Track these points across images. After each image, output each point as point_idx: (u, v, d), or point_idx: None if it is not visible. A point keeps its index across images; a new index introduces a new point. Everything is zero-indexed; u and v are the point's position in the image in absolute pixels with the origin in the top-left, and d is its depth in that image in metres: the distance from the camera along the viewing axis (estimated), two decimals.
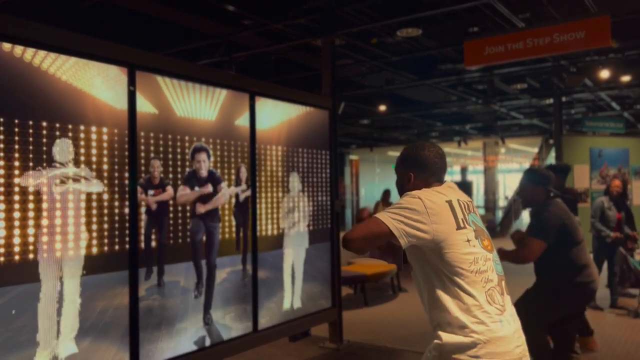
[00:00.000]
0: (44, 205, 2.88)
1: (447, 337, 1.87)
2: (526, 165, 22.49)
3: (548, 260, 3.43)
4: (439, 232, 1.89)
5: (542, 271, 3.53)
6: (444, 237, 1.89)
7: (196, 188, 3.78)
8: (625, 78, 9.83)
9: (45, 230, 2.88)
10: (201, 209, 3.83)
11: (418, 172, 2.09)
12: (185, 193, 3.71)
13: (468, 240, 1.92)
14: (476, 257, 1.91)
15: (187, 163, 3.75)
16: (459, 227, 1.92)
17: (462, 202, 2.02)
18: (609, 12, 5.30)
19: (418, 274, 2.03)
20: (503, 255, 3.57)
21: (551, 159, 16.95)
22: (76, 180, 3.03)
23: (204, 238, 3.85)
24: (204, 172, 3.85)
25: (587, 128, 12.21)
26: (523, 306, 3.48)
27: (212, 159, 3.94)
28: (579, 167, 10.64)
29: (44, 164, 2.89)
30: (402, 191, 2.11)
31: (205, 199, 3.87)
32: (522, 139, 20.51)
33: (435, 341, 1.91)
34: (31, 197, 2.83)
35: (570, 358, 3.58)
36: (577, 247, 3.41)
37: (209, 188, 3.90)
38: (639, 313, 6.01)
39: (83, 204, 3.07)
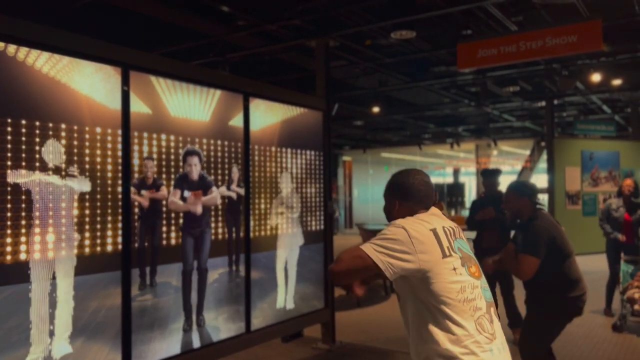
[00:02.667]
0: (36, 205, 2.87)
1: None
2: (518, 167, 22.61)
3: (540, 276, 3.35)
4: (424, 262, 1.86)
5: (534, 288, 3.46)
6: (429, 267, 1.86)
7: (186, 192, 3.77)
8: (616, 82, 9.92)
9: (37, 230, 2.87)
10: (195, 208, 3.82)
11: (403, 199, 2.09)
12: (175, 200, 3.69)
13: (454, 269, 1.89)
14: (463, 285, 1.88)
15: (181, 164, 3.75)
16: (444, 256, 1.90)
17: (447, 228, 1.99)
18: (601, 16, 5.35)
19: (406, 305, 1.99)
20: (506, 260, 3.54)
21: (543, 161, 17.06)
22: (68, 179, 3.02)
23: (194, 242, 3.83)
24: (194, 176, 3.85)
25: (579, 131, 12.32)
26: (524, 338, 3.48)
27: (204, 161, 3.93)
28: (570, 170, 10.73)
29: (37, 164, 2.88)
30: (389, 217, 2.12)
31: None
32: (514, 141, 20.64)
33: None
34: (23, 197, 2.82)
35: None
36: (567, 260, 3.34)
37: (200, 194, 3.89)
38: (625, 315, 5.88)
39: (76, 204, 3.06)
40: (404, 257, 1.85)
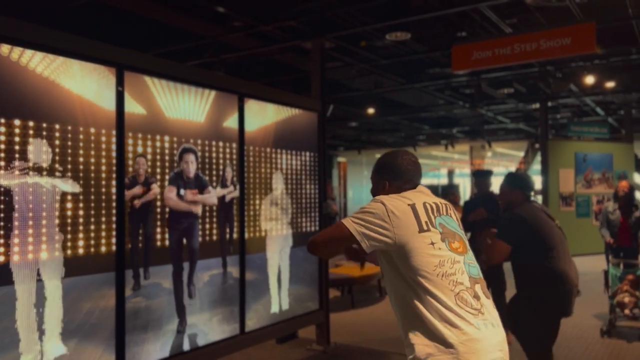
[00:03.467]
0: (28, 205, 2.85)
1: (420, 346, 1.83)
2: (512, 168, 22.70)
3: (524, 270, 3.40)
4: (400, 236, 1.90)
5: (520, 282, 3.49)
6: (405, 241, 1.89)
7: (182, 190, 3.75)
8: (610, 84, 9.98)
9: (30, 231, 2.85)
10: (193, 207, 3.82)
11: (392, 179, 2.12)
12: (172, 197, 3.68)
13: (432, 243, 1.91)
14: (442, 260, 1.89)
15: (175, 165, 3.74)
16: (421, 230, 1.92)
17: (430, 204, 2.01)
18: (594, 19, 5.38)
19: (388, 280, 2.02)
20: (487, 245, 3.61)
21: (537, 163, 17.12)
22: (60, 180, 3.01)
23: (182, 235, 3.80)
24: (191, 174, 3.84)
25: (573, 133, 12.39)
26: (524, 342, 3.50)
27: (199, 162, 3.93)
28: (564, 171, 10.77)
29: (30, 164, 2.86)
30: None
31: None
32: (509, 142, 20.72)
33: (410, 357, 1.88)
34: (16, 198, 2.80)
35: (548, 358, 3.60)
36: (550, 252, 3.32)
37: (197, 193, 3.87)
38: (612, 321, 5.74)
39: (69, 205, 3.05)
40: (379, 230, 1.91)
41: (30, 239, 2.85)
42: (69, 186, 3.04)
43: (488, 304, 1.93)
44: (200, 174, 3.92)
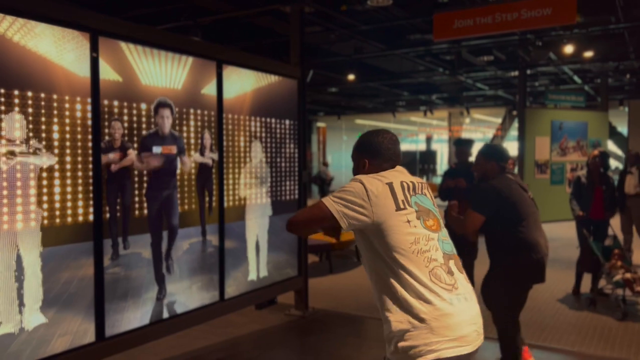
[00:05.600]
0: (2, 175, 2.80)
1: (395, 322, 1.89)
2: (489, 135, 22.95)
3: (497, 240, 3.47)
4: (378, 215, 1.94)
5: (492, 252, 3.57)
6: (383, 219, 1.94)
7: (155, 147, 3.67)
8: (588, 53, 10.05)
9: (5, 202, 2.80)
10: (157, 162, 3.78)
11: (372, 158, 2.15)
12: (146, 155, 3.62)
13: (408, 221, 1.96)
14: (417, 237, 1.95)
15: (152, 129, 3.68)
16: (398, 209, 1.97)
17: (407, 183, 2.06)
18: None
19: (365, 258, 2.06)
20: (452, 220, 3.63)
21: (514, 129, 17.32)
22: (33, 152, 2.95)
23: (161, 206, 3.78)
24: (166, 129, 3.76)
25: (550, 101, 12.50)
26: (494, 310, 3.58)
27: (176, 118, 3.87)
28: (540, 139, 10.93)
29: (2, 133, 2.79)
30: None
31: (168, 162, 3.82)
32: (487, 109, 20.89)
33: (386, 332, 1.93)
34: None
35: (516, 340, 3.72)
36: (523, 223, 3.40)
37: (173, 149, 3.80)
38: (594, 300, 5.72)
39: (45, 174, 2.99)
40: (358, 209, 1.95)
41: (6, 209, 2.81)
42: (44, 156, 2.98)
43: (462, 279, 1.98)
44: (176, 133, 3.84)
